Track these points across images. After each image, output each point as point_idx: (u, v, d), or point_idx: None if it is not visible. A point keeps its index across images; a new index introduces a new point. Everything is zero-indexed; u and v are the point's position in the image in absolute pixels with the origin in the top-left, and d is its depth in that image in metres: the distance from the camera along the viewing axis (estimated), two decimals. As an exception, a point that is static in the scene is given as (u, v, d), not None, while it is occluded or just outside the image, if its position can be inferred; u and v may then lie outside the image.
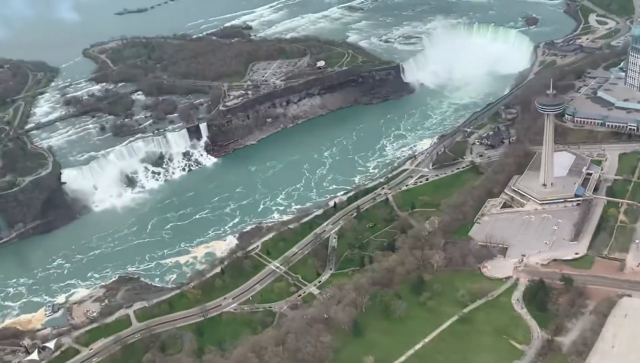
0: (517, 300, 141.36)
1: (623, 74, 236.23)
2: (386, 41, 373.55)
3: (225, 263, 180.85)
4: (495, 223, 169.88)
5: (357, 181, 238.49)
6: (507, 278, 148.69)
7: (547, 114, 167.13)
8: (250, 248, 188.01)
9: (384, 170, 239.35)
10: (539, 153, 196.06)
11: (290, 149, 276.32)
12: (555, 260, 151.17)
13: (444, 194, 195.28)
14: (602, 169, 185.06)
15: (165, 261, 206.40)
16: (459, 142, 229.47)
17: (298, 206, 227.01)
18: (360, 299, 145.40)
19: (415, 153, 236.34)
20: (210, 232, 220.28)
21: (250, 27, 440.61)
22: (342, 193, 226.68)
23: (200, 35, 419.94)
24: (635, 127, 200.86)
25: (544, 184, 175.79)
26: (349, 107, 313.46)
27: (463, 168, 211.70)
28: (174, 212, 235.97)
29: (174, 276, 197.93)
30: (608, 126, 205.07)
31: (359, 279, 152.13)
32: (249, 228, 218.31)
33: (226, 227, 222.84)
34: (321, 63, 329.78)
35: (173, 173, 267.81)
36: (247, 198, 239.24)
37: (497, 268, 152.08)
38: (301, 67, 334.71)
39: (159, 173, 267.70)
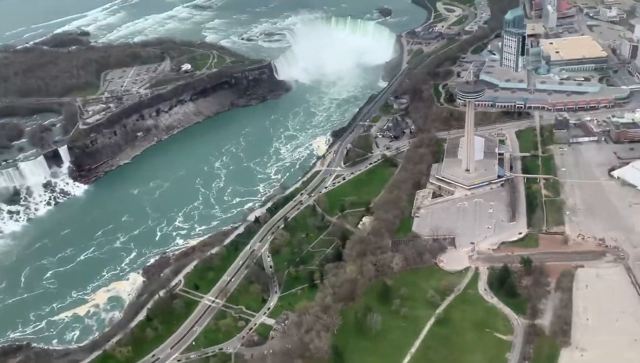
0: (485, 289, 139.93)
1: (494, 56, 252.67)
2: (249, 39, 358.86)
3: (149, 306, 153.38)
4: (433, 214, 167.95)
5: (261, 190, 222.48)
6: (466, 269, 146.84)
7: (469, 101, 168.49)
8: (173, 283, 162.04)
9: (287, 174, 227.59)
10: (450, 139, 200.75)
11: (174, 164, 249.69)
12: (503, 243, 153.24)
13: (368, 191, 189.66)
14: (509, 148, 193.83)
15: (58, 317, 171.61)
16: (362, 137, 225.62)
17: (203, 227, 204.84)
18: (332, 320, 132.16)
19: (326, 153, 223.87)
20: (105, 273, 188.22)
21: (87, 33, 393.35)
22: (249, 204, 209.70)
23: (27, 45, 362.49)
24: (523, 105, 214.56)
25: (467, 169, 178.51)
26: (227, 111, 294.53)
27: (375, 162, 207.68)
28: (51, 257, 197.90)
29: (77, 332, 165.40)
30: (498, 106, 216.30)
31: (322, 298, 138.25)
32: (152, 260, 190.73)
33: (123, 264, 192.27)
34: (187, 66, 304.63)
35: (36, 210, 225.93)
36: (138, 226, 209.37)
37: (453, 261, 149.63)
38: (164, 72, 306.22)
39: (17, 212, 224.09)
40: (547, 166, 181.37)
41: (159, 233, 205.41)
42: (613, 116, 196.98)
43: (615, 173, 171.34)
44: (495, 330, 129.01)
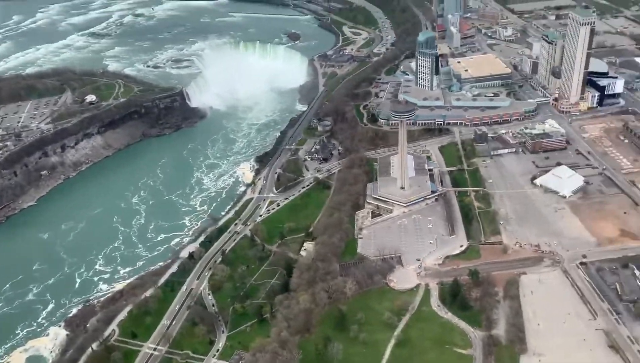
0: (438, 305, 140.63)
1: (408, 76, 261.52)
2: (155, 66, 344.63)
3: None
4: (376, 234, 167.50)
5: (187, 224, 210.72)
6: (417, 286, 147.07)
7: (401, 120, 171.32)
8: (106, 334, 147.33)
9: (214, 204, 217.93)
10: (381, 158, 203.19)
11: (86, 203, 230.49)
12: (447, 257, 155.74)
13: (306, 215, 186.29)
14: (437, 164, 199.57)
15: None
16: (291, 161, 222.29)
17: (128, 269, 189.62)
18: (291, 355, 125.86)
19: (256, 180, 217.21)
20: (19, 330, 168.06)
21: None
22: (176, 240, 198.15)
23: None
24: (442, 122, 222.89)
25: (402, 187, 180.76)
26: (139, 142, 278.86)
27: (308, 185, 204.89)
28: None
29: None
30: (419, 124, 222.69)
31: (278, 332, 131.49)
32: (74, 310, 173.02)
33: (40, 319, 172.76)
34: (91, 97, 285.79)
35: None
36: (52, 274, 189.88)
37: (403, 279, 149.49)
38: (65, 104, 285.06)
39: None
40: (475, 179, 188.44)
41: (78, 280, 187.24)
42: (525, 128, 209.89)
43: (537, 181, 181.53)
44: (454, 345, 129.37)
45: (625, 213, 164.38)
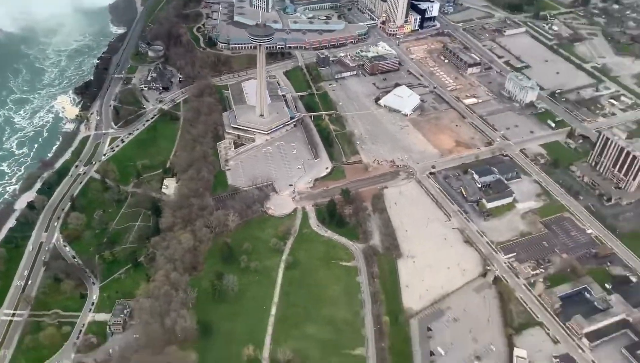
0: (318, 226, 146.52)
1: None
2: None
3: None
4: (243, 164, 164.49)
5: (7, 170, 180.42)
6: (294, 210, 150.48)
7: (260, 44, 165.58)
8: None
9: (36, 145, 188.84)
10: (233, 85, 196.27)
11: None
12: (317, 180, 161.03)
13: (158, 151, 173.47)
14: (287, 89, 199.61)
15: None
16: (126, 91, 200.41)
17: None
18: (186, 295, 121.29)
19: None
20: None
21: None
22: (11, 189, 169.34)
23: None
24: (283, 45, 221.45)
25: (262, 115, 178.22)
26: None
27: (152, 118, 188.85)
28: None
29: None
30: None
31: (166, 274, 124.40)
32: None
33: None
34: None
35: None
36: None
37: (280, 206, 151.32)
38: None
39: None
40: (326, 102, 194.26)
41: None
42: (361, 51, 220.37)
43: (381, 102, 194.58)
44: (339, 259, 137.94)
45: (457, 125, 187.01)
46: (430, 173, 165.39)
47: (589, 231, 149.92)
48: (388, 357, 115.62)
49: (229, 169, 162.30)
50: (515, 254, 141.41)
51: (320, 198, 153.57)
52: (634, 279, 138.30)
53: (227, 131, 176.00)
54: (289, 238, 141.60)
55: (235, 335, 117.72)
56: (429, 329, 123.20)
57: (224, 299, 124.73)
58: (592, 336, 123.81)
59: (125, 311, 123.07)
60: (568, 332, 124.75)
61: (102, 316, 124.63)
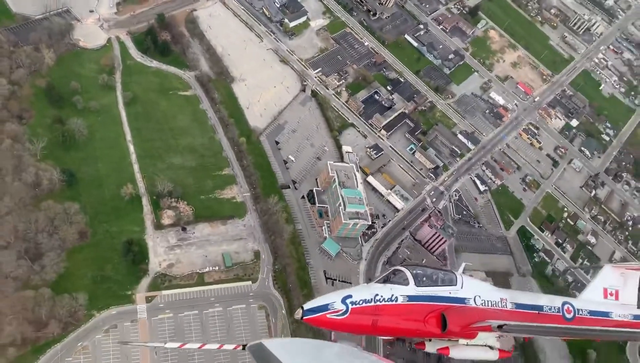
0: (142, 56, 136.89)
1: None
2: None
3: None
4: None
5: None
6: (109, 40, 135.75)
7: None
8: None
9: None
10: None
11: None
12: (119, 4, 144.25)
13: None
14: None
15: None
16: None
17: None
18: (34, 146, 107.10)
19: None
20: None
21: None
22: None
23: None
24: None
25: None
26: None
27: None
28: None
29: None
30: None
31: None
32: None
33: None
34: None
35: None
36: None
37: (89, 35, 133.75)
38: None
39: None
40: None
41: None
42: None
43: None
44: (176, 90, 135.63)
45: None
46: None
47: (366, 43, 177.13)
48: (254, 171, 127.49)
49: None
50: (320, 68, 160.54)
51: (132, 25, 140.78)
52: (402, 80, 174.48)
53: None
54: (116, 72, 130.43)
55: (103, 178, 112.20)
56: (277, 142, 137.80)
57: (74, 145, 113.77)
58: (387, 127, 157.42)
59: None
60: (371, 128, 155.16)
61: None
